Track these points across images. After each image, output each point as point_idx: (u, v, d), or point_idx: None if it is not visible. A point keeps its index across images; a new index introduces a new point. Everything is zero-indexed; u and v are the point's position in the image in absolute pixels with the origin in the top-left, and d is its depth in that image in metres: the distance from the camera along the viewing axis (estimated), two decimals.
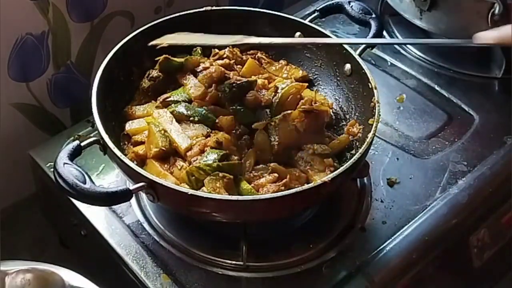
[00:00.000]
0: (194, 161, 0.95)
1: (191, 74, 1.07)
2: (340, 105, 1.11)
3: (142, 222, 1.02)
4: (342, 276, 0.96)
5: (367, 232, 1.02)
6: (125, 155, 0.94)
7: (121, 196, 0.86)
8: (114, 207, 1.03)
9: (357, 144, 1.01)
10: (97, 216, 1.03)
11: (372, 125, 0.96)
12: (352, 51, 1.06)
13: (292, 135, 1.00)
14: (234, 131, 1.00)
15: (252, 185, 0.94)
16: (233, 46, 1.10)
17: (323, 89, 1.13)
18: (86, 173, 0.86)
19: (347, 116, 1.09)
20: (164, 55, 1.06)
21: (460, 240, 1.09)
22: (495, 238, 1.13)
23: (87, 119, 1.16)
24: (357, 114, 1.06)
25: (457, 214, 1.06)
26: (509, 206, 1.14)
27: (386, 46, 1.34)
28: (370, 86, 1.01)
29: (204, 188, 0.91)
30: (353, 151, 1.01)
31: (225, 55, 1.10)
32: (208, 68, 1.07)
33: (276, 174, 0.96)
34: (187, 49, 1.11)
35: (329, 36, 1.09)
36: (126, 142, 1.02)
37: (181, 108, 1.02)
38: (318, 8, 1.17)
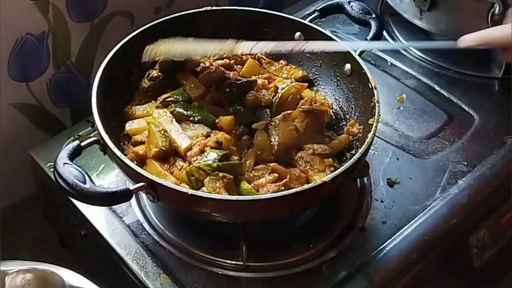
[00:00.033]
0: (194, 161, 0.95)
1: (191, 74, 1.07)
2: (340, 105, 1.11)
3: (142, 222, 1.02)
4: (342, 276, 0.96)
5: (367, 232, 1.02)
6: (125, 155, 0.94)
7: (121, 196, 0.86)
8: (114, 207, 1.03)
9: (357, 144, 1.01)
10: (97, 216, 1.03)
11: (372, 125, 0.96)
12: (352, 51, 1.06)
13: (292, 135, 1.00)
14: (234, 131, 1.00)
15: (252, 185, 0.94)
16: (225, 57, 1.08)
17: (323, 89, 1.13)
18: (86, 173, 0.86)
19: (347, 116, 1.09)
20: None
21: (460, 240, 1.09)
22: (495, 238, 1.13)
23: (87, 119, 1.16)
24: (357, 114, 1.06)
25: (457, 214, 1.06)
26: (509, 206, 1.14)
27: None
28: (370, 86, 1.01)
29: (204, 188, 0.91)
30: (353, 151, 1.01)
31: (225, 55, 1.10)
32: (208, 68, 1.07)
33: (276, 174, 0.96)
34: None
35: (329, 38, 1.08)
36: (126, 142, 1.02)
37: (181, 108, 1.02)
38: (318, 8, 1.17)
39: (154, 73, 1.07)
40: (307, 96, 1.06)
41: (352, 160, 0.91)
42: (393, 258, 1.00)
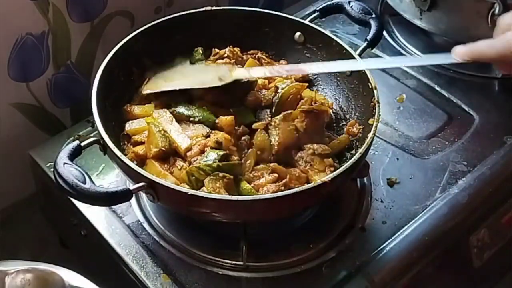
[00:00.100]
0: (194, 161, 0.95)
1: None
2: (340, 105, 1.11)
3: (142, 222, 1.02)
4: (342, 276, 0.96)
5: (367, 232, 1.02)
6: (125, 155, 0.94)
7: (121, 196, 0.86)
8: (114, 207, 1.03)
9: (357, 144, 1.01)
10: (97, 216, 1.03)
11: (372, 125, 0.96)
12: (352, 51, 1.06)
13: (292, 135, 0.99)
14: (234, 131, 1.00)
15: (252, 185, 0.94)
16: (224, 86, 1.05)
17: (323, 89, 1.13)
18: (86, 173, 0.86)
19: (347, 116, 1.09)
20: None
21: (460, 240, 1.09)
22: (495, 238, 1.13)
23: (87, 119, 1.16)
24: (357, 114, 1.06)
25: (457, 214, 1.06)
26: (509, 206, 1.14)
27: (386, 46, 1.34)
28: (370, 86, 1.01)
29: (204, 188, 0.91)
30: (353, 151, 1.01)
31: (225, 55, 1.10)
32: None
33: (276, 174, 0.96)
34: (188, 50, 1.11)
35: (329, 38, 1.09)
36: (126, 142, 1.01)
37: (181, 108, 1.02)
38: (318, 8, 1.16)
39: None
40: (307, 96, 1.06)
41: (352, 160, 0.91)
42: (393, 258, 1.00)
